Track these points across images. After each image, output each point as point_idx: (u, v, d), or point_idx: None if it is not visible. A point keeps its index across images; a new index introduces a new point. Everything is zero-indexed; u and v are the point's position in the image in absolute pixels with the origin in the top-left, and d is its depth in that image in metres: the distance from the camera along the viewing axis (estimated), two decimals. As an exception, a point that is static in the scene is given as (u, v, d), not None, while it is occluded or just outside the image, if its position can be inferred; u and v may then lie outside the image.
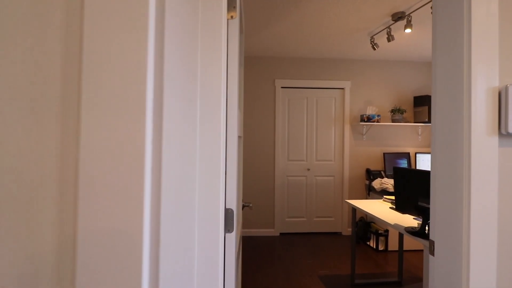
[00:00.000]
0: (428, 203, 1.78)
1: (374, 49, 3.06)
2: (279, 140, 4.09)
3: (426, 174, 1.80)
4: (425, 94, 4.04)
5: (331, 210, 4.17)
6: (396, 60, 4.17)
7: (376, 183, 3.76)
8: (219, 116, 0.86)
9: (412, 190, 1.90)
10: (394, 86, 4.22)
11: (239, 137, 1.38)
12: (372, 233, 3.69)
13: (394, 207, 2.41)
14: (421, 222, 1.94)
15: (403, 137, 4.25)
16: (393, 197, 2.71)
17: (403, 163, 4.09)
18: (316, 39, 3.35)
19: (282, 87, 4.12)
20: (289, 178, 4.12)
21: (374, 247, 3.63)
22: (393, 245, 3.58)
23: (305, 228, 4.14)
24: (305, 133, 4.14)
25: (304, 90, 4.14)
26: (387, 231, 3.56)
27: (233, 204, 1.07)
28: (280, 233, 4.12)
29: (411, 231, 1.86)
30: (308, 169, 4.14)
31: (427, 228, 1.82)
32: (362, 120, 3.96)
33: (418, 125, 4.16)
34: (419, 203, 1.85)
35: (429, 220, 1.78)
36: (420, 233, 1.82)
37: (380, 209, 2.47)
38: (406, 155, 4.11)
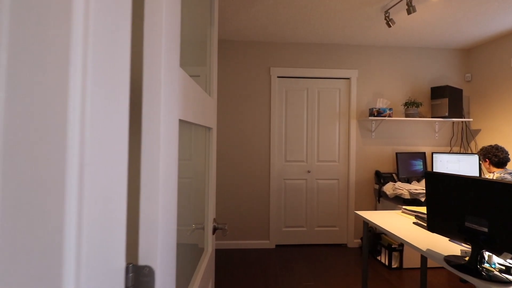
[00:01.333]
0: (482, 224, 1.23)
1: (390, 26, 2.51)
2: (275, 138, 3.54)
3: (481, 184, 1.25)
4: (444, 84, 3.50)
5: (335, 218, 3.62)
6: (411, 46, 3.62)
7: (388, 188, 3.21)
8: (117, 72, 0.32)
9: (456, 204, 1.35)
10: (408, 76, 3.67)
11: (190, 125, 0.83)
12: (383, 247, 3.13)
13: (422, 223, 1.86)
14: (469, 250, 1.39)
15: (419, 135, 3.70)
16: (415, 208, 2.16)
17: (418, 165, 3.54)
18: (317, 16, 2.80)
19: (278, 77, 3.57)
20: (287, 181, 3.57)
21: (386, 263, 3.07)
22: (409, 262, 3.02)
23: (305, 239, 3.59)
24: (305, 130, 3.59)
25: (304, 80, 3.59)
26: (401, 245, 3.01)
27: (157, 256, 0.51)
28: (276, 245, 3.57)
29: (455, 263, 1.31)
30: (309, 172, 3.59)
31: (480, 260, 1.27)
32: (371, 114, 3.41)
33: (435, 120, 3.60)
34: (467, 224, 1.30)
35: (483, 249, 1.22)
36: (469, 267, 1.27)
37: (400, 224, 1.92)
38: (422, 156, 3.56)
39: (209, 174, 1.20)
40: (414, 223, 1.94)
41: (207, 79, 1.22)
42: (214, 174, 1.25)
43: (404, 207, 2.22)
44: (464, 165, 3.47)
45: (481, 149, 2.72)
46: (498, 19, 2.79)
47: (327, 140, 3.60)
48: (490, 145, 2.67)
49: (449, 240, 1.66)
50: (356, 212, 2.22)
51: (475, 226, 1.26)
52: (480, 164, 3.42)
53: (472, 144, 3.64)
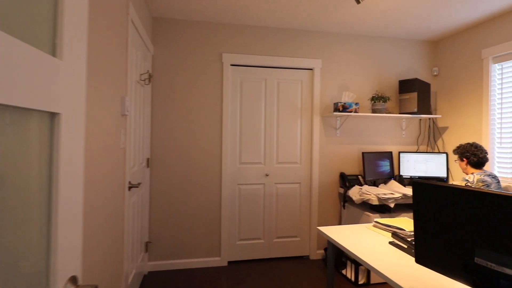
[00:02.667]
0: (503, 262, 0.82)
1: (359, 2, 2.10)
2: (228, 137, 3.02)
3: (503, 201, 0.83)
4: (413, 77, 3.21)
5: (296, 228, 3.19)
6: (378, 35, 3.30)
7: (354, 193, 2.84)
8: None
9: (461, 230, 0.93)
10: (375, 68, 3.34)
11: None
12: (349, 259, 2.76)
13: (400, 244, 1.45)
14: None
15: (385, 133, 3.39)
16: (390, 221, 1.76)
17: (385, 166, 3.23)
18: (276, -10, 2.32)
19: (232, 65, 3.06)
20: (242, 187, 3.07)
21: (352, 279, 2.70)
22: (378, 277, 2.67)
23: (262, 253, 3.12)
24: (262, 127, 3.11)
25: (261, 70, 3.11)
26: (370, 257, 2.65)
27: None
28: (229, 262, 3.06)
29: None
30: (267, 175, 3.12)
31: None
32: (336, 109, 3.02)
33: (403, 117, 3.32)
34: (478, 260, 0.88)
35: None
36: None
37: (373, 245, 1.50)
38: (389, 155, 3.26)
39: (56, 193, 0.64)
40: (390, 243, 1.53)
41: (55, 30, 0.66)
42: (78, 191, 0.71)
43: (376, 220, 1.82)
44: (432, 165, 3.22)
45: (459, 147, 2.43)
46: (465, 9, 2.52)
47: (287, 138, 3.16)
48: (468, 143, 2.38)
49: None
50: (319, 228, 1.78)
51: (491, 264, 0.84)
52: (448, 164, 3.19)
53: (439, 143, 3.41)
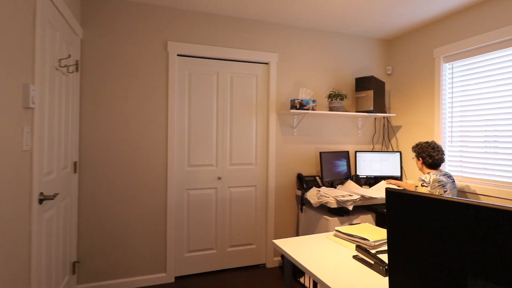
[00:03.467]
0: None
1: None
2: (175, 136, 2.68)
3: (503, 217, 0.65)
4: (369, 75, 3.15)
5: (252, 234, 2.96)
6: (335, 31, 3.18)
7: (312, 196, 2.68)
8: None
9: (450, 254, 0.74)
10: (332, 64, 3.23)
11: None
12: (308, 267, 2.58)
13: (367, 259, 1.26)
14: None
15: (342, 131, 3.30)
16: (353, 230, 1.59)
17: (342, 166, 3.13)
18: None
19: (179, 55, 2.72)
20: (191, 192, 2.75)
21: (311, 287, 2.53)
22: (336, 283, 2.54)
23: (215, 265, 2.83)
24: (214, 125, 2.82)
25: (213, 62, 2.81)
26: (328, 264, 2.50)
27: None
28: (176, 278, 2.72)
29: None
30: (220, 178, 2.83)
31: None
32: (293, 107, 2.84)
33: (359, 116, 3.25)
34: (469, 293, 0.70)
35: None
36: None
37: (335, 259, 1.31)
38: (346, 155, 3.17)
39: None
40: (354, 257, 1.34)
41: None
42: None
43: (337, 228, 1.64)
44: (387, 164, 3.20)
45: (417, 146, 2.37)
46: (418, 8, 2.49)
47: (242, 138, 2.90)
48: (426, 142, 2.33)
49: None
50: (274, 242, 1.55)
51: (487, 298, 0.66)
52: (401, 163, 3.20)
53: (394, 142, 3.41)
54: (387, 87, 3.48)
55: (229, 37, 2.83)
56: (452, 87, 2.77)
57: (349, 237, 1.55)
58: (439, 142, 2.83)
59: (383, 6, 2.58)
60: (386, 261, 1.32)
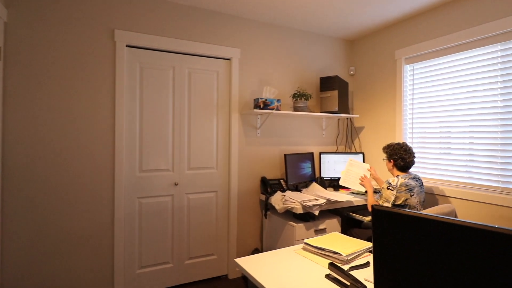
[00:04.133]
0: None
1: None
2: (124, 137, 2.36)
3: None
4: (334, 74, 3.08)
5: (213, 244, 2.73)
6: (299, 28, 3.06)
7: (277, 201, 2.53)
8: None
9: (438, 272, 0.60)
10: (297, 63, 3.11)
11: None
12: (273, 277, 2.43)
13: (343, 280, 1.11)
14: None
15: (307, 132, 3.20)
16: (323, 243, 1.45)
17: (307, 168, 3.03)
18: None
19: (129, 46, 2.40)
20: (143, 200, 2.45)
21: (277, 298, 2.38)
22: (303, 293, 2.41)
23: (171, 280, 2.55)
24: (170, 126, 2.55)
25: (169, 56, 2.54)
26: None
27: None
28: (126, 298, 2.40)
29: None
30: (176, 184, 2.56)
31: None
32: (257, 106, 2.67)
33: (323, 116, 3.18)
34: None
35: None
36: None
37: (305, 279, 1.15)
38: (310, 157, 3.07)
39: None
40: (327, 276, 1.19)
41: None
42: None
43: (306, 241, 1.49)
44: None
45: (388, 147, 2.31)
46: (379, 9, 2.46)
47: (202, 139, 2.66)
48: (398, 144, 2.29)
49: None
50: (236, 261, 1.35)
51: None
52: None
53: (356, 142, 3.40)
54: (350, 88, 3.45)
55: (186, 28, 2.57)
56: (413, 89, 2.80)
57: (320, 250, 1.40)
58: (394, 142, 2.84)
59: (346, 5, 2.50)
60: (363, 278, 1.19)
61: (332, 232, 1.67)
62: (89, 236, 2.24)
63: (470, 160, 2.34)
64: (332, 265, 1.18)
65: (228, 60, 2.78)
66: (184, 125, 2.60)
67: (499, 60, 2.16)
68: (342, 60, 3.40)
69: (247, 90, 2.85)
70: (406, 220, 0.70)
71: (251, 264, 1.32)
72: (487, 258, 0.58)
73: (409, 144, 2.78)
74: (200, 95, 2.66)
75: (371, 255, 1.42)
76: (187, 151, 2.61)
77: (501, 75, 2.15)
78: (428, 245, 0.68)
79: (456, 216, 2.06)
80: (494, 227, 0.59)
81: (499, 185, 2.16)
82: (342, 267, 1.28)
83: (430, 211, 1.89)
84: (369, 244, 1.47)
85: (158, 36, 2.45)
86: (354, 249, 1.39)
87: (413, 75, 2.80)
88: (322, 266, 1.30)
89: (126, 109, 2.38)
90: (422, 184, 2.20)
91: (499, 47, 2.16)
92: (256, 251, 2.82)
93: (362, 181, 2.54)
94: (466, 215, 2.30)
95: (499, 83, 2.16)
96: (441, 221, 0.67)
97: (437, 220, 0.68)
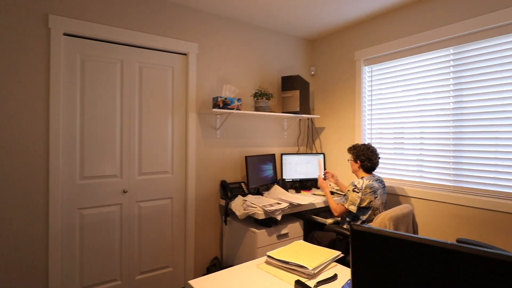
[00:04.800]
0: None
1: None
2: (61, 139, 2.05)
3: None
4: (296, 74, 2.99)
5: (168, 255, 2.50)
6: (260, 25, 2.94)
7: (238, 206, 2.38)
8: None
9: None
10: (258, 61, 2.99)
11: None
12: None
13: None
14: None
15: (268, 133, 3.10)
16: (288, 255, 1.33)
17: (268, 170, 2.93)
18: None
19: (66, 34, 2.09)
20: (85, 212, 2.15)
21: (238, 310, 2.23)
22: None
23: (120, 298, 2.28)
24: (118, 126, 2.27)
25: (116, 48, 2.26)
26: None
27: None
28: (65, 324, 2.09)
29: None
30: (125, 192, 2.29)
31: None
32: (216, 105, 2.50)
33: (285, 117, 3.10)
34: None
35: None
36: None
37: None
38: (271, 158, 2.98)
39: None
40: (293, 295, 1.07)
41: None
42: None
43: (269, 254, 1.36)
44: (312, 166, 3.12)
45: (354, 148, 2.27)
46: (339, 9, 2.44)
47: (155, 141, 2.42)
48: (364, 145, 2.26)
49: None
50: (190, 283, 1.18)
51: None
52: (325, 165, 3.16)
53: (317, 143, 3.38)
54: (311, 88, 3.42)
55: (138, 18, 2.31)
56: (371, 90, 2.83)
57: (284, 264, 1.28)
58: (359, 142, 2.86)
59: (307, 3, 2.43)
60: (330, 295, 1.09)
61: (296, 241, 1.56)
62: (17, 254, 1.90)
63: (421, 160, 2.41)
64: (298, 284, 1.07)
65: (185, 55, 2.57)
66: (135, 125, 2.34)
67: (452, 63, 2.23)
68: (304, 59, 3.36)
69: (206, 88, 2.66)
70: (389, 240, 0.60)
71: (208, 286, 1.16)
72: (473, 280, 0.50)
73: (368, 145, 2.81)
74: (153, 93, 2.42)
75: (338, 265, 1.34)
76: (138, 154, 2.35)
77: (453, 78, 2.22)
78: (411, 266, 0.58)
79: (414, 216, 2.09)
80: (475, 249, 0.51)
81: (452, 184, 2.23)
82: (309, 282, 1.17)
83: (391, 212, 1.88)
84: (334, 253, 1.39)
85: (103, 25, 2.16)
86: (320, 260, 1.30)
87: (371, 76, 2.83)
88: (287, 283, 1.18)
89: (64, 108, 2.07)
90: (385, 186, 2.21)
91: (452, 51, 2.23)
92: (215, 260, 2.65)
93: (319, 184, 2.53)
94: (423, 215, 2.36)
95: (451, 86, 2.24)
96: (423, 243, 0.58)
97: (419, 242, 0.58)
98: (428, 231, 2.32)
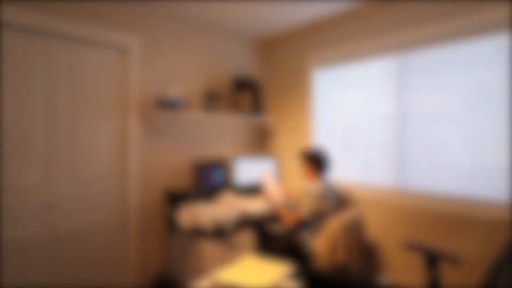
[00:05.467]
0: None
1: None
2: (-37, 144, 1.67)
3: None
4: (248, 75, 2.89)
5: (104, 278, 2.22)
6: (212, 22, 2.77)
7: (185, 218, 2.20)
8: None
9: None
10: (208, 60, 2.82)
11: None
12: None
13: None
14: None
15: (219, 136, 2.95)
16: (233, 276, 1.21)
17: (219, 175, 2.78)
18: None
19: (-30, 17, 1.71)
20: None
21: (185, 330, 2.06)
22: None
23: (44, 330, 1.96)
24: (42, 130, 1.94)
25: (41, 38, 1.92)
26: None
27: None
28: None
29: None
30: (51, 206, 1.97)
31: None
32: (161, 105, 2.28)
33: (236, 118, 2.98)
34: None
35: None
36: None
37: None
38: (222, 162, 2.84)
39: None
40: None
41: None
42: None
43: (217, 276, 1.23)
44: (263, 169, 3.05)
45: (308, 152, 2.22)
46: (291, 13, 2.40)
47: (89, 147, 2.13)
48: (317, 149, 2.23)
49: None
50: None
51: None
52: (278, 168, 3.12)
53: (269, 146, 3.32)
54: (263, 90, 3.35)
55: (68, 5, 2.00)
56: (321, 94, 2.84)
57: (233, 288, 1.16)
58: (311, 146, 2.86)
59: (257, 7, 2.34)
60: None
61: (246, 257, 1.45)
62: None
63: (369, 163, 2.48)
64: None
65: (125, 50, 2.30)
66: (64, 127, 2.02)
67: (396, 69, 2.31)
68: (256, 61, 3.27)
69: (150, 87, 2.42)
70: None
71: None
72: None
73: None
74: (87, 91, 2.12)
75: (292, 282, 1.26)
76: (66, 161, 2.04)
77: (397, 83, 2.31)
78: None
79: (361, 220, 2.12)
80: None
81: (397, 185, 2.31)
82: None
83: (340, 220, 1.87)
84: (286, 267, 1.30)
85: (22, 9, 1.82)
86: (272, 277, 1.20)
87: (321, 80, 2.84)
88: (236, 311, 1.06)
89: (-34, 106, 1.69)
90: (335, 189, 2.21)
91: (396, 57, 2.31)
92: (160, 282, 2.43)
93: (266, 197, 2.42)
94: (373, 217, 2.42)
95: (395, 91, 2.32)
96: None
97: None
98: (378, 233, 2.38)
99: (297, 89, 3.02)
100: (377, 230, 2.37)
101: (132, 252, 2.32)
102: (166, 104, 2.28)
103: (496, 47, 1.86)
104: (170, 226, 2.43)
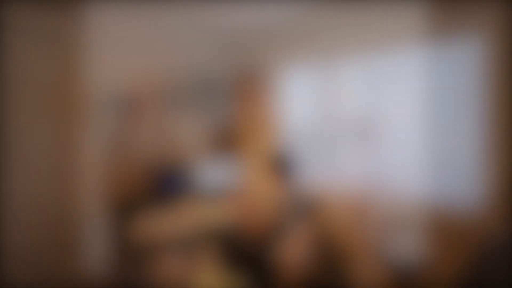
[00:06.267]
0: None
1: None
2: None
3: None
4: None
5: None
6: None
7: (142, 230, 1.91)
8: None
9: None
10: (169, 51, 2.51)
11: None
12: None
13: None
14: None
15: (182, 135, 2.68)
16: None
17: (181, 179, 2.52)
18: None
19: None
20: None
21: None
22: None
23: None
24: None
25: None
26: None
27: None
28: None
29: None
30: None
31: None
32: (114, 101, 1.95)
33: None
34: None
35: None
36: None
37: None
38: (183, 166, 2.58)
39: None
40: None
41: None
42: None
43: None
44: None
45: None
46: None
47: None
48: None
49: None
50: None
51: None
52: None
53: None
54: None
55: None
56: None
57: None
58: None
59: None
60: None
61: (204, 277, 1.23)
62: None
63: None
64: None
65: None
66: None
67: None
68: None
69: (100, 75, 2.06)
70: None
71: None
72: None
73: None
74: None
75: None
76: None
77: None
78: None
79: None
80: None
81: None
82: None
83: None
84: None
85: None
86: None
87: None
88: None
89: None
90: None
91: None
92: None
93: None
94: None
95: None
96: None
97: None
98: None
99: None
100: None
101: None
102: (120, 99, 1.94)
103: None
104: (118, 242, 2.11)
